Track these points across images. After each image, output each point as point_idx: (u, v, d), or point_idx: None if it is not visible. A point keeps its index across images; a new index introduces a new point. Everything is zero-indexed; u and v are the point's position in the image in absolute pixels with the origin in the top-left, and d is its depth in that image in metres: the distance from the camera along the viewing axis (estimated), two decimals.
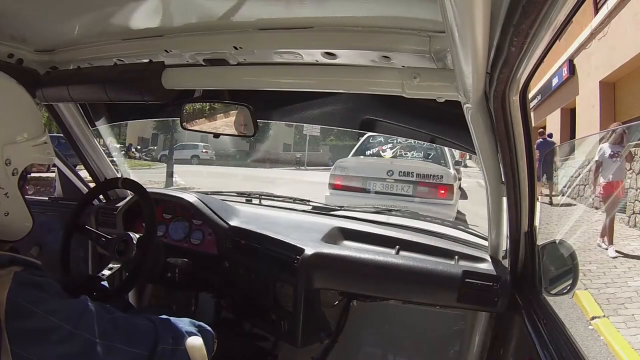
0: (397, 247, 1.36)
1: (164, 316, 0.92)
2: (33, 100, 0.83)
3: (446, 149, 4.84)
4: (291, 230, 1.46)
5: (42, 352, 0.67)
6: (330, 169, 5.13)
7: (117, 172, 1.83)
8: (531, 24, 0.47)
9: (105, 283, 1.17)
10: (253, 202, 1.87)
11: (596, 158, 5.55)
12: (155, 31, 1.07)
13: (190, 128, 1.27)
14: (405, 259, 1.28)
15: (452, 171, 4.66)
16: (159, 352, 0.82)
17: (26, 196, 0.83)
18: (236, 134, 1.20)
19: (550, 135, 9.72)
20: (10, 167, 0.77)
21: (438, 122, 1.19)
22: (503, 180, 0.98)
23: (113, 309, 0.81)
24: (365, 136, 5.45)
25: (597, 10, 9.35)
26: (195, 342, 0.90)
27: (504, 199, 1.03)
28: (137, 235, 1.27)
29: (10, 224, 0.79)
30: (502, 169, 0.95)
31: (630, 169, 6.07)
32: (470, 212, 4.99)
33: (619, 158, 5.27)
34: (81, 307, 0.74)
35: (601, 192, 5.58)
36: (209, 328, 1.00)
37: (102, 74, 1.14)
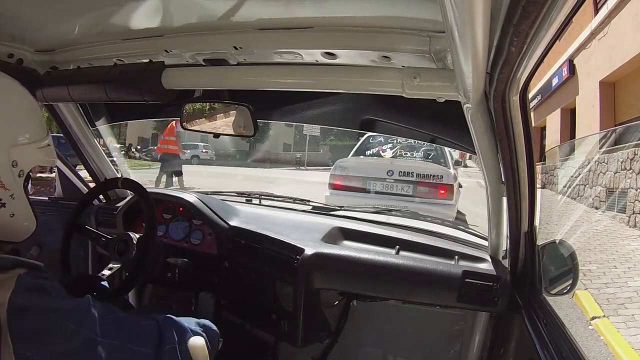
0: (397, 247, 1.36)
1: (167, 315, 0.92)
2: (36, 103, 0.84)
3: (446, 149, 4.84)
4: (291, 230, 1.46)
5: (44, 351, 0.68)
6: (330, 169, 5.12)
7: (117, 172, 1.83)
8: (531, 24, 0.47)
9: (105, 283, 1.16)
10: (253, 202, 1.87)
11: None
12: (155, 31, 1.07)
13: (190, 128, 1.27)
14: (405, 259, 1.28)
15: (452, 171, 4.66)
16: (165, 351, 0.82)
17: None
18: (236, 134, 1.20)
19: None
20: (16, 168, 0.77)
21: (438, 122, 1.19)
22: (503, 180, 0.98)
23: (116, 309, 0.81)
24: (365, 136, 5.45)
25: (597, 10, 9.37)
26: (197, 342, 0.90)
27: (504, 199, 1.03)
28: (137, 235, 1.27)
29: (15, 225, 0.80)
30: (502, 169, 0.94)
31: (630, 169, 6.08)
32: (470, 212, 4.98)
33: None
34: (84, 306, 0.74)
35: None
36: (214, 327, 1.00)
37: (102, 74, 1.14)
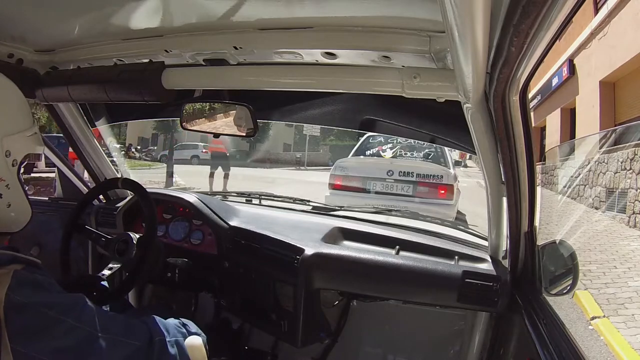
0: (397, 247, 1.36)
1: (151, 316, 0.92)
2: (22, 93, 0.85)
3: (446, 148, 4.84)
4: (291, 230, 1.46)
5: (42, 347, 0.68)
6: (330, 169, 5.12)
7: (117, 172, 1.83)
8: (531, 24, 0.47)
9: (105, 283, 1.17)
10: (253, 202, 1.87)
11: None
12: (155, 31, 1.07)
13: (190, 128, 1.27)
14: (405, 259, 1.28)
15: (452, 171, 4.66)
16: (155, 343, 0.83)
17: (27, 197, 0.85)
18: (236, 134, 1.20)
19: None
20: (10, 158, 0.79)
21: (438, 122, 1.19)
22: (503, 180, 0.98)
23: (106, 309, 0.82)
24: (365, 136, 5.44)
25: (597, 10, 9.36)
26: (195, 341, 0.90)
27: (504, 199, 1.03)
28: (137, 235, 1.27)
29: (12, 215, 0.81)
30: (502, 169, 0.94)
31: (630, 169, 6.07)
32: (470, 212, 4.98)
33: None
34: (81, 301, 0.75)
35: None
36: (195, 328, 1.00)
37: (102, 74, 1.14)
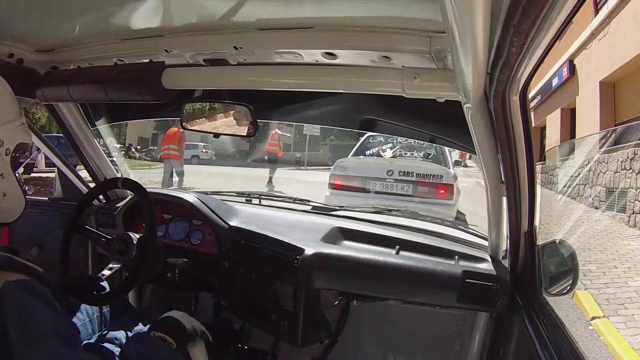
0: (397, 247, 1.36)
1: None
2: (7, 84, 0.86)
3: (446, 148, 4.84)
4: (291, 230, 1.46)
5: None
6: (330, 168, 5.12)
7: (117, 172, 1.83)
8: (531, 24, 0.47)
9: (105, 283, 1.17)
10: (253, 202, 1.87)
11: None
12: (155, 31, 1.07)
13: (190, 128, 1.27)
14: (405, 259, 1.28)
15: (452, 171, 4.65)
16: None
17: (27, 197, 0.86)
18: (236, 134, 1.20)
19: None
20: (3, 147, 0.81)
21: (438, 122, 1.19)
22: (503, 180, 0.98)
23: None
24: (365, 136, 5.44)
25: (597, 11, 9.36)
26: (195, 344, 0.90)
27: (504, 199, 1.03)
28: (137, 235, 1.27)
29: (7, 205, 0.83)
30: (502, 169, 0.95)
31: (630, 168, 6.07)
32: (470, 212, 4.98)
33: None
34: (61, 323, 0.72)
35: None
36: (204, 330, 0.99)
37: (102, 74, 1.14)
